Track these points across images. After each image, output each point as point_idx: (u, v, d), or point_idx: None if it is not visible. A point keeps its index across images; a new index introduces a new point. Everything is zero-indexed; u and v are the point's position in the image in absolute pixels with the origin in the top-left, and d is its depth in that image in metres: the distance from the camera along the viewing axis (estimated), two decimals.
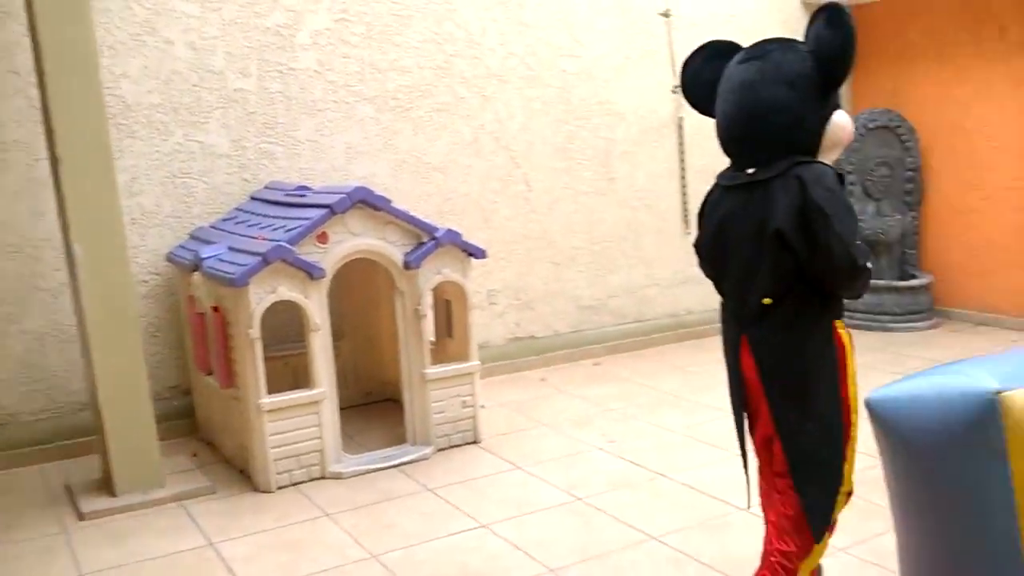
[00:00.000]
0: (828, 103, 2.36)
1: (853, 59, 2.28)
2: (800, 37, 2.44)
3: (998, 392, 1.68)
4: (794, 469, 2.43)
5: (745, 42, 2.54)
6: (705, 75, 2.56)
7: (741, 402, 2.55)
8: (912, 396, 1.83)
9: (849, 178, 6.70)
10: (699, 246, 2.63)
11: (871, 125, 6.68)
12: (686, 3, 6.39)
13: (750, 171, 2.39)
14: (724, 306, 2.58)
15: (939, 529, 1.85)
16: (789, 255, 2.30)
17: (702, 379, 5.38)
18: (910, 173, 6.78)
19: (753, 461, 2.62)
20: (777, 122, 2.33)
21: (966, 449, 1.73)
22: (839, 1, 2.31)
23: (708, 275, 2.64)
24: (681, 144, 6.44)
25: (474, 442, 4.46)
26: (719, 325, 2.62)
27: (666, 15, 6.28)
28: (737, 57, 2.48)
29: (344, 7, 5.17)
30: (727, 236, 2.47)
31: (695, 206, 2.86)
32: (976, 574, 1.79)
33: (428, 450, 4.31)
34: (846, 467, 2.44)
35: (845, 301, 2.48)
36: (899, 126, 6.73)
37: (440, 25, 5.49)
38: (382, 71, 5.32)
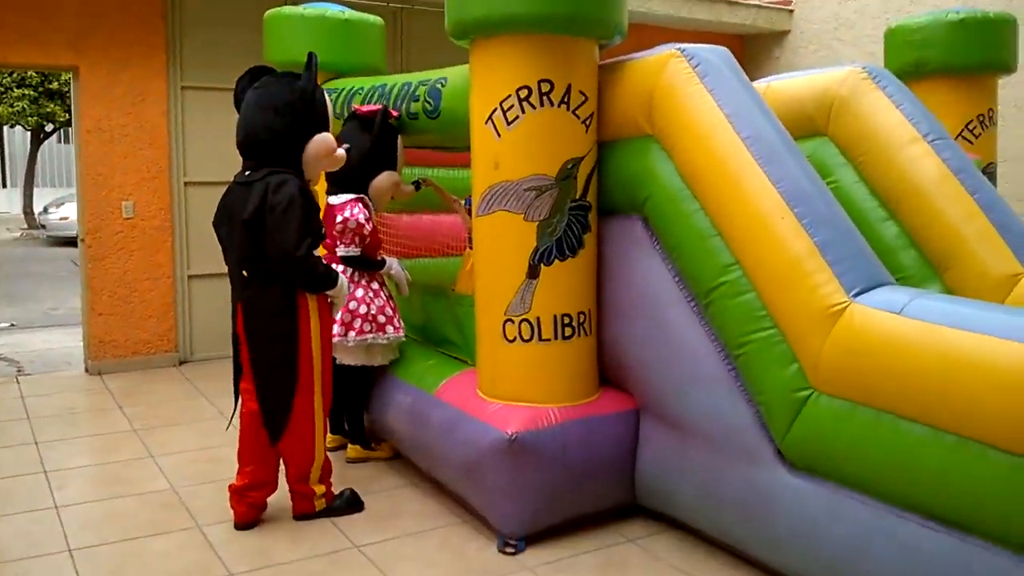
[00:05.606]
0: (308, 127, 3.16)
1: (324, 97, 3.21)
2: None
3: None
4: (262, 402, 3.17)
5: None
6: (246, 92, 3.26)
7: (237, 355, 3.28)
8: None
9: None
10: (215, 226, 3.29)
11: None
12: None
13: (247, 173, 3.16)
14: (230, 278, 3.24)
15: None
16: (255, 240, 3.06)
17: None
18: None
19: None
20: (262, 137, 3.12)
21: None
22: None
23: (223, 251, 3.29)
24: None
25: None
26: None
27: None
28: (255, 83, 3.22)
29: None
30: (229, 221, 3.18)
31: None
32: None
33: None
34: (317, 401, 3.22)
35: None
36: None
37: None
38: None
